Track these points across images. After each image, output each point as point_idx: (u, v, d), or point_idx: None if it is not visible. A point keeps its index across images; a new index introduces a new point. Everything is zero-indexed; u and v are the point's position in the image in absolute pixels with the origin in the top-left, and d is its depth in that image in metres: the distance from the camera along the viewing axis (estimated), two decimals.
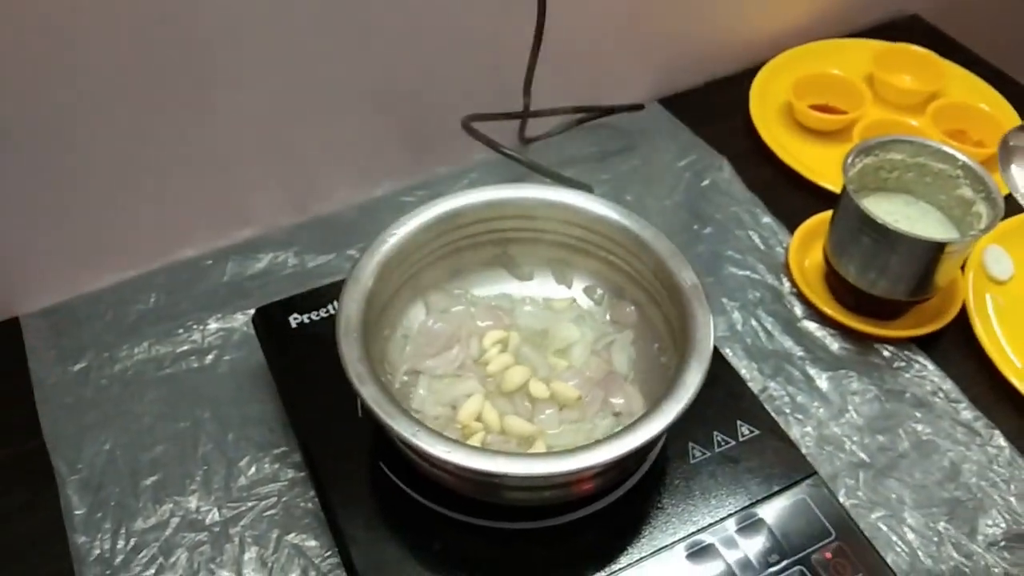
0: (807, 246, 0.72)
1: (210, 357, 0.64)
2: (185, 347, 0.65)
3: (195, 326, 0.66)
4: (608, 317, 0.59)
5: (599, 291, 0.59)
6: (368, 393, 0.45)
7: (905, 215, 0.66)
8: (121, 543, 0.54)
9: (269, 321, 0.60)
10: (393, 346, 0.56)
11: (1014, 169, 0.52)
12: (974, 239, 0.61)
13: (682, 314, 0.50)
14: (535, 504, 0.50)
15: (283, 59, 0.64)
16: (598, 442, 0.44)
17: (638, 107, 0.80)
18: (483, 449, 0.45)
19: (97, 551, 0.54)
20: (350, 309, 0.49)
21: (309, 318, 0.60)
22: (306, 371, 0.57)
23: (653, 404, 0.46)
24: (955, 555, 0.55)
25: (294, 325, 0.60)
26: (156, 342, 0.65)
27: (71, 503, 0.56)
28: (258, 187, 0.71)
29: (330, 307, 0.60)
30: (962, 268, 0.68)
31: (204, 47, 0.61)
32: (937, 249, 0.61)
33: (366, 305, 0.50)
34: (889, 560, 0.52)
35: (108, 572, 0.53)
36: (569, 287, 0.60)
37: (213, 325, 0.66)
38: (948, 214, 0.66)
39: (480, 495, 0.49)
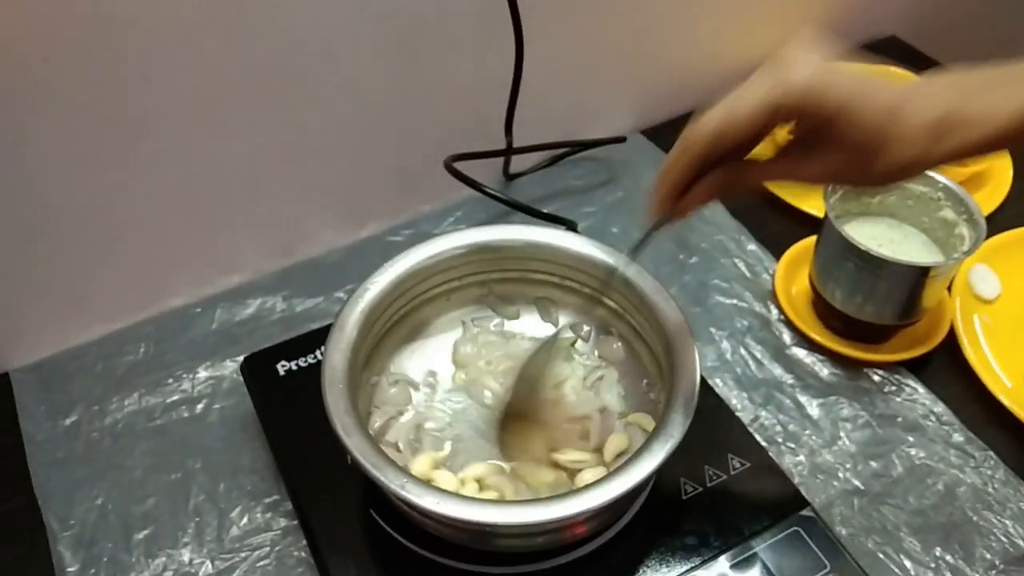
0: (793, 272, 0.72)
1: (200, 406, 0.64)
2: (175, 397, 0.65)
3: (185, 375, 0.66)
4: (596, 353, 0.59)
5: (585, 328, 0.60)
6: (354, 444, 0.45)
7: (889, 239, 0.66)
8: None
9: (257, 369, 0.60)
10: (381, 391, 0.56)
11: None
12: (957, 262, 0.62)
13: (668, 352, 0.50)
14: (526, 550, 0.50)
15: (266, 106, 0.65)
16: (586, 487, 0.44)
17: (620, 140, 0.81)
18: (471, 499, 0.45)
19: None
20: (335, 359, 0.49)
21: (297, 365, 0.60)
22: (295, 418, 0.57)
23: (640, 447, 0.46)
24: None
25: (282, 372, 0.60)
26: (146, 393, 0.65)
27: (63, 560, 0.56)
28: (244, 233, 0.72)
29: (317, 353, 0.60)
30: (949, 289, 0.69)
31: (186, 98, 0.61)
32: (921, 273, 0.61)
33: (351, 354, 0.50)
34: None
35: None
36: (556, 324, 0.60)
37: (203, 373, 0.66)
38: (932, 236, 0.66)
39: (471, 543, 0.49)
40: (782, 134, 0.44)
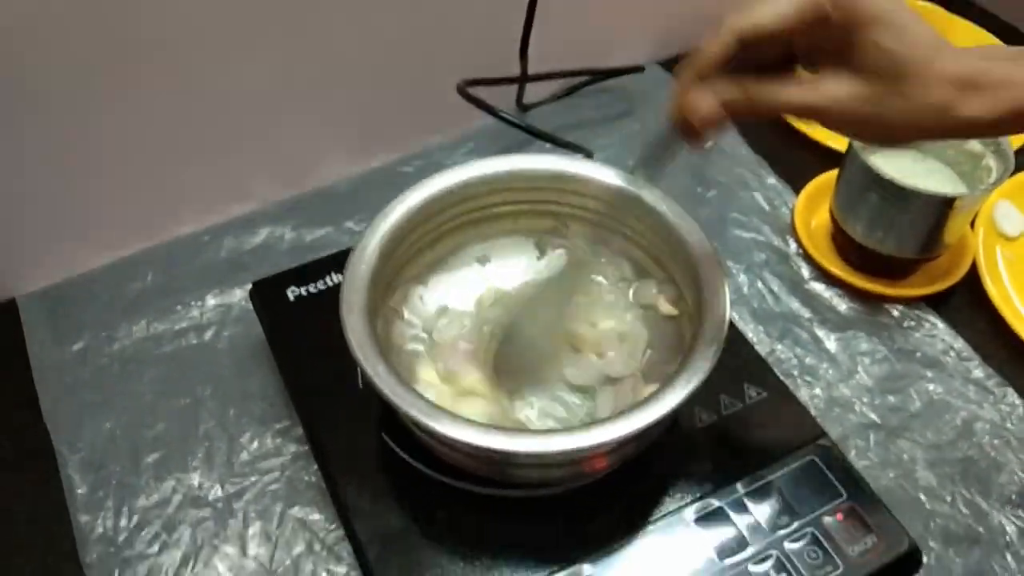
0: (813, 206, 0.70)
1: (209, 333, 0.64)
2: (184, 324, 0.64)
3: (193, 303, 0.66)
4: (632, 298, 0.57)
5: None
6: (371, 365, 0.44)
7: (912, 172, 0.64)
8: (124, 521, 0.54)
9: (266, 295, 0.59)
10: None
11: None
12: (984, 193, 0.60)
13: (696, 288, 0.49)
14: (542, 481, 0.49)
15: (274, 32, 0.63)
16: (605, 420, 0.43)
17: (638, 69, 0.78)
18: (488, 426, 0.44)
19: (100, 529, 0.54)
20: (354, 281, 0.48)
21: (307, 291, 0.59)
22: (305, 344, 0.56)
23: (665, 381, 0.44)
24: (969, 514, 0.54)
25: (291, 298, 0.59)
26: (154, 320, 0.65)
27: (73, 483, 0.56)
28: (253, 162, 0.70)
29: (327, 279, 0.59)
30: (972, 225, 0.67)
31: (195, 22, 0.60)
32: (946, 204, 0.60)
33: (371, 277, 0.49)
34: (901, 521, 0.51)
35: (112, 550, 0.53)
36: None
37: (211, 301, 0.66)
38: (957, 170, 0.65)
39: (483, 470, 0.48)
40: None
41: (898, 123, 0.39)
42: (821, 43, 0.40)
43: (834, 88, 0.39)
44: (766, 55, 0.40)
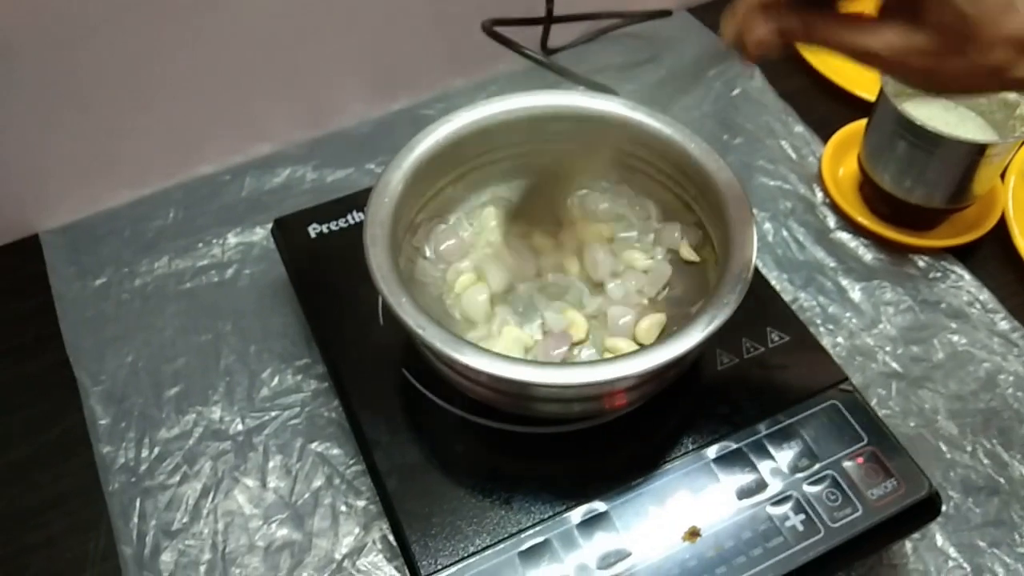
0: (841, 155, 0.69)
1: (230, 271, 0.64)
2: (205, 261, 0.64)
3: (214, 241, 0.66)
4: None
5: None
6: (395, 300, 0.44)
7: (944, 121, 0.63)
8: (145, 452, 0.54)
9: (287, 231, 0.59)
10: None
11: None
12: (1017, 141, 0.59)
13: (723, 228, 0.48)
14: (560, 416, 0.49)
15: None
16: (627, 355, 0.42)
17: (666, 13, 0.77)
18: (508, 357, 0.43)
19: (122, 460, 0.54)
20: (379, 214, 0.47)
21: (328, 228, 0.59)
22: (326, 280, 0.56)
23: (687, 320, 0.44)
24: (989, 464, 0.54)
25: (313, 235, 0.58)
26: (176, 257, 0.65)
27: (95, 413, 0.56)
28: (275, 102, 0.70)
29: (349, 217, 0.59)
30: (1002, 177, 0.66)
31: None
32: (977, 152, 0.58)
33: (393, 215, 0.48)
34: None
35: (133, 479, 0.53)
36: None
37: (232, 240, 0.66)
38: (989, 119, 0.63)
39: (501, 402, 0.48)
40: None
41: (953, 79, 0.39)
42: None
43: (895, 37, 0.39)
44: None
